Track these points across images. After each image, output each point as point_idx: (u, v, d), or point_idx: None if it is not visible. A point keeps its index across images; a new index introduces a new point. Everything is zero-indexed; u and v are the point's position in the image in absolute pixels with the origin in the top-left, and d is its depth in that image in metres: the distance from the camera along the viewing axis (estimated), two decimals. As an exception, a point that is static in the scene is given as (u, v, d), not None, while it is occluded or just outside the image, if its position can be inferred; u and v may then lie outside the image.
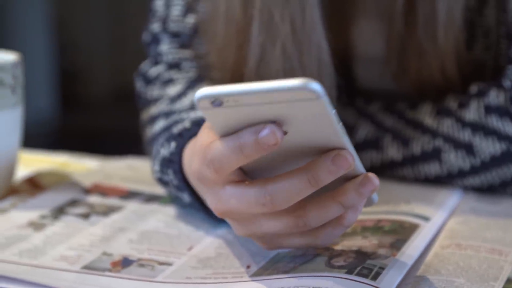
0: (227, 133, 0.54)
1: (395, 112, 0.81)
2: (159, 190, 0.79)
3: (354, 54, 0.84)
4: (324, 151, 0.55)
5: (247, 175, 0.58)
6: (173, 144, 0.70)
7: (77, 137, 3.06)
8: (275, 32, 0.73)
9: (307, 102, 0.51)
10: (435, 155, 0.77)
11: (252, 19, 0.74)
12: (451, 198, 0.75)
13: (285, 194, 0.54)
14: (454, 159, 0.76)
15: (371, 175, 0.56)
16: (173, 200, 0.77)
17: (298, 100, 0.51)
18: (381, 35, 0.81)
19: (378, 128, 0.80)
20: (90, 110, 3.47)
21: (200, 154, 0.56)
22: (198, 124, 0.71)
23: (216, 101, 0.51)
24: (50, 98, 3.30)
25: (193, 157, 0.58)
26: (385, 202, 0.72)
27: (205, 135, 0.58)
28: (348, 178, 0.56)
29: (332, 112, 0.52)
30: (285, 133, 0.53)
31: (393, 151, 0.79)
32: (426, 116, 0.78)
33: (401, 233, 0.65)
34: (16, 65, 0.77)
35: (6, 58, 0.78)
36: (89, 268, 0.63)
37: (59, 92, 3.36)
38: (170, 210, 0.75)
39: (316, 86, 0.50)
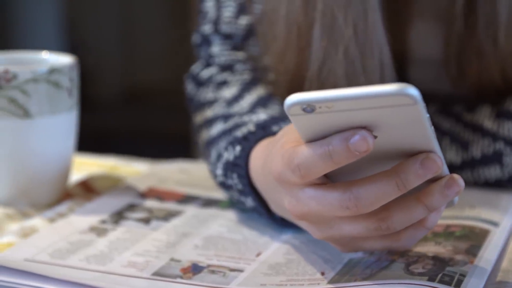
0: (313, 139, 0.53)
1: (452, 115, 0.80)
2: (216, 194, 0.78)
3: (409, 56, 0.83)
4: (410, 154, 0.54)
5: (327, 176, 0.57)
6: (238, 148, 0.69)
7: (87, 138, 3.05)
8: (338, 36, 0.72)
9: (403, 107, 0.50)
10: (496, 158, 0.76)
11: (313, 23, 0.73)
12: (515, 202, 0.74)
13: (371, 198, 0.54)
14: (516, 163, 0.75)
15: (456, 176, 0.56)
16: (232, 204, 0.76)
17: (393, 106, 0.50)
18: (439, 36, 0.80)
19: (435, 131, 0.79)
20: (100, 110, 3.46)
21: (285, 157, 0.55)
22: (262, 127, 0.70)
23: (308, 108, 0.50)
24: (61, 98, 3.29)
25: (273, 157, 0.58)
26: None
27: (286, 137, 0.57)
28: (430, 179, 0.56)
29: (426, 117, 0.51)
30: (374, 137, 0.52)
31: (451, 155, 0.78)
32: (485, 119, 0.78)
33: (473, 238, 0.65)
34: (73, 67, 0.76)
35: (63, 60, 0.77)
36: (160, 274, 0.62)
37: (70, 92, 3.35)
38: (230, 215, 0.74)
39: (414, 91, 0.49)
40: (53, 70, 0.74)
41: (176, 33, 3.10)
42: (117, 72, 3.53)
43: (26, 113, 0.73)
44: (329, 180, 0.57)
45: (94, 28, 3.49)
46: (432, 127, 0.53)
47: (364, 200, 0.54)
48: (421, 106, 0.50)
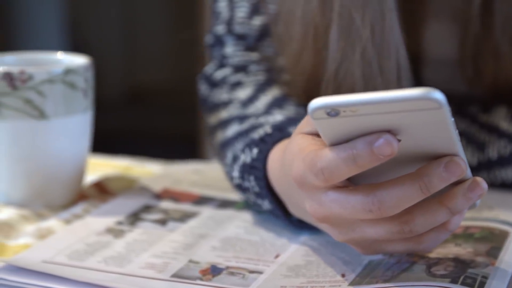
0: (336, 142, 0.53)
1: (467, 116, 0.80)
2: (232, 195, 0.78)
3: (424, 57, 0.83)
4: (434, 157, 0.54)
5: (349, 179, 0.56)
6: (255, 150, 0.69)
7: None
8: (356, 37, 0.72)
9: (428, 111, 0.49)
10: (512, 159, 0.76)
11: (330, 24, 0.73)
12: (532, 203, 0.74)
13: (394, 201, 0.53)
14: (533, 164, 0.75)
15: (480, 179, 0.55)
16: (248, 205, 0.76)
17: (418, 110, 0.49)
18: (454, 37, 0.80)
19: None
20: (102, 111, 3.45)
21: (307, 160, 0.54)
22: (279, 129, 0.69)
23: (333, 112, 0.50)
24: (63, 98, 3.28)
25: (292, 160, 0.57)
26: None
27: (305, 140, 0.57)
28: (453, 182, 0.55)
29: (451, 121, 0.51)
30: (398, 141, 0.52)
31: (467, 156, 0.77)
32: (501, 120, 0.77)
33: (493, 240, 0.64)
34: (88, 68, 0.76)
35: (78, 61, 0.77)
36: (179, 276, 0.62)
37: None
38: (246, 216, 0.74)
39: (439, 95, 0.48)
40: (68, 71, 0.74)
41: (179, 33, 3.10)
42: (119, 73, 3.53)
43: (41, 114, 0.73)
44: (351, 183, 0.57)
45: (97, 29, 3.49)
46: (457, 131, 0.52)
47: (387, 203, 0.53)
48: (447, 110, 0.50)
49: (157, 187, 0.81)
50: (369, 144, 0.51)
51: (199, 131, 2.59)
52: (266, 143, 0.69)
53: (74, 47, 3.35)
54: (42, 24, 3.20)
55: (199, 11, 2.48)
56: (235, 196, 0.78)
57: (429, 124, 0.51)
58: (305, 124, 0.58)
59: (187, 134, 2.71)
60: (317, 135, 0.57)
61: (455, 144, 0.53)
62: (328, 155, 0.53)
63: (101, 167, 0.88)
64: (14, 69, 0.72)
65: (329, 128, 0.52)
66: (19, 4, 3.14)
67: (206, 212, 0.75)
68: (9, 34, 3.13)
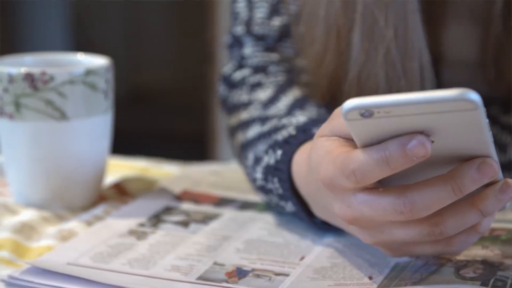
0: (368, 144, 0.53)
1: (488, 117, 0.79)
2: (252, 196, 0.78)
3: (444, 59, 0.82)
4: (466, 158, 0.53)
5: (379, 181, 0.56)
6: (279, 152, 0.69)
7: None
8: (378, 38, 0.71)
9: (463, 112, 0.49)
10: (534, 161, 0.76)
11: (353, 25, 0.72)
12: (555, 205, 0.74)
13: (426, 203, 0.53)
14: (555, 166, 0.75)
15: (511, 181, 0.55)
16: (269, 207, 0.75)
17: (452, 111, 0.49)
18: (475, 38, 0.80)
19: None
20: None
21: (337, 162, 0.54)
22: (303, 130, 0.69)
23: (366, 112, 0.50)
24: (67, 98, 3.27)
25: (320, 162, 0.57)
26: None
27: (331, 142, 0.56)
28: (484, 184, 0.55)
29: (486, 122, 0.50)
30: (431, 142, 0.52)
31: (490, 157, 0.77)
32: (522, 121, 0.77)
33: (519, 242, 0.64)
34: (108, 69, 0.76)
35: (99, 62, 0.76)
36: (204, 279, 0.61)
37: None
38: (269, 218, 0.73)
39: (475, 96, 0.48)
40: (89, 72, 0.73)
41: (182, 34, 3.09)
42: (123, 73, 3.51)
43: (62, 115, 0.73)
44: (380, 184, 0.56)
45: (101, 29, 3.49)
46: (490, 132, 0.52)
47: (419, 205, 0.53)
48: (482, 111, 0.49)
49: (177, 188, 0.80)
50: (402, 146, 0.51)
51: (205, 131, 2.58)
52: (291, 145, 0.68)
53: (79, 48, 3.34)
54: (46, 25, 3.20)
55: (204, 11, 2.48)
56: (256, 197, 0.77)
57: (463, 125, 0.51)
58: (325, 126, 0.57)
59: (193, 135, 2.70)
60: (339, 136, 0.56)
61: (489, 145, 0.53)
62: (360, 156, 0.52)
63: (118, 168, 0.88)
64: (36, 70, 0.72)
65: (362, 129, 0.52)
66: (23, 5, 3.14)
67: (228, 213, 0.75)
68: (13, 35, 3.12)
